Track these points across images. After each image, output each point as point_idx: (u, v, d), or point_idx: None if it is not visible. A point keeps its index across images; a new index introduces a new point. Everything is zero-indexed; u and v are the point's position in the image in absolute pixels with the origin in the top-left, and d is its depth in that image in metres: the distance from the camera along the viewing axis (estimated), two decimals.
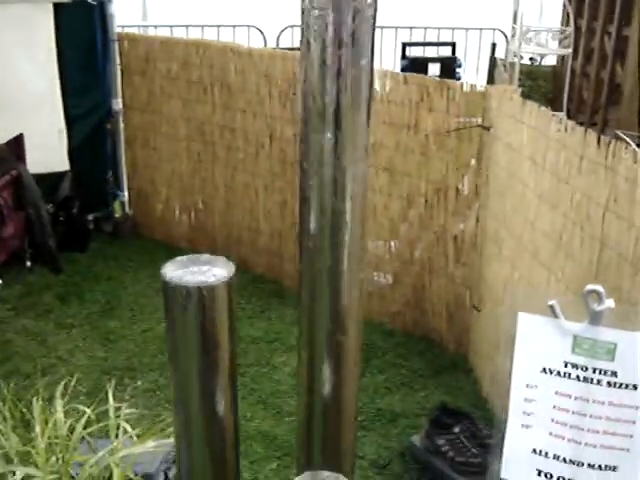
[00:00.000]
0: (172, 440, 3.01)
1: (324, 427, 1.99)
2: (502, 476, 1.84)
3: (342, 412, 1.98)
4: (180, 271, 1.69)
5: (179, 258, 1.75)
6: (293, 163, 5.44)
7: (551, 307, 1.88)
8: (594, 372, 1.77)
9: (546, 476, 1.78)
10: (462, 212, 4.56)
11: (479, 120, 4.34)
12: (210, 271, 1.71)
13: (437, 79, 4.92)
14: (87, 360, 4.73)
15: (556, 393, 1.81)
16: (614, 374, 1.77)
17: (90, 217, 6.61)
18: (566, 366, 1.80)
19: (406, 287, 5.01)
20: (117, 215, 6.75)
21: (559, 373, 1.81)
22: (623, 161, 2.88)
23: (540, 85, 8.64)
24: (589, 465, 1.75)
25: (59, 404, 2.68)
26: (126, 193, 6.76)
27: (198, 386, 1.76)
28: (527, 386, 1.81)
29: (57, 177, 6.24)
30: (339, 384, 1.93)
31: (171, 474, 3.68)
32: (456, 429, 3.68)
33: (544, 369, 1.82)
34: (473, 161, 4.44)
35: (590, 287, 1.81)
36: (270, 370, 4.65)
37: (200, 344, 1.70)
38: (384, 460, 3.82)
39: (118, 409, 2.82)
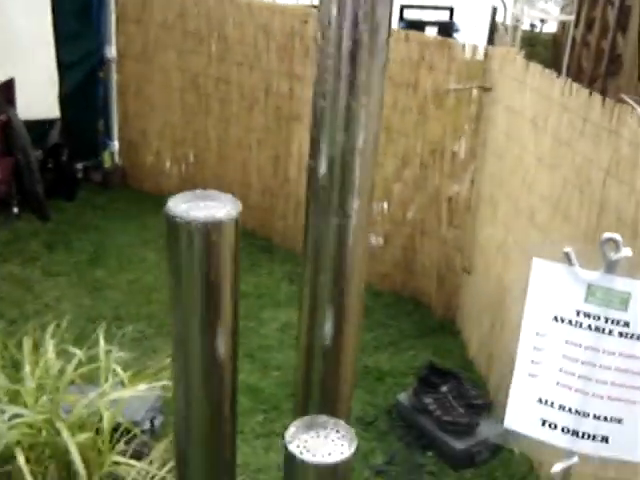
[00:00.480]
0: (159, 388, 3.00)
1: (323, 376, 1.97)
2: (505, 425, 1.83)
3: (342, 362, 1.96)
4: (185, 205, 1.65)
5: (184, 193, 1.71)
6: (288, 119, 5.38)
7: (566, 254, 1.85)
8: (606, 322, 1.76)
9: (550, 426, 1.78)
10: (457, 174, 4.53)
11: (479, 82, 4.29)
12: (216, 207, 1.67)
13: (439, 38, 4.86)
14: (74, 308, 4.69)
15: (566, 342, 1.80)
16: (626, 324, 1.76)
17: (79, 166, 6.53)
18: (578, 315, 1.79)
19: (396, 248, 4.99)
20: (106, 165, 6.67)
21: (571, 322, 1.80)
22: (627, 125, 2.85)
23: (539, 52, 8.59)
24: (595, 416, 1.75)
25: (50, 344, 2.65)
26: (116, 143, 6.67)
27: (200, 329, 1.73)
28: (537, 334, 1.80)
29: (47, 124, 6.15)
30: (340, 333, 1.91)
31: (157, 422, 3.69)
32: (444, 388, 3.69)
33: (555, 317, 1.81)
34: (471, 123, 4.40)
35: (607, 235, 1.79)
36: (258, 325, 4.64)
37: (204, 283, 1.67)
38: (370, 417, 3.83)
39: (108, 353, 2.80)
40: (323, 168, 1.76)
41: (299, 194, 5.47)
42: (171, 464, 2.59)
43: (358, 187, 1.77)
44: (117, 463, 2.54)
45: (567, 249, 1.84)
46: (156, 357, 3.26)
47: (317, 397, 1.99)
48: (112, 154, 6.68)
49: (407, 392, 3.83)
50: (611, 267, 1.77)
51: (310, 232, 1.87)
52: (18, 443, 2.32)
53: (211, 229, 1.61)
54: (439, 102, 4.50)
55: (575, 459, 1.85)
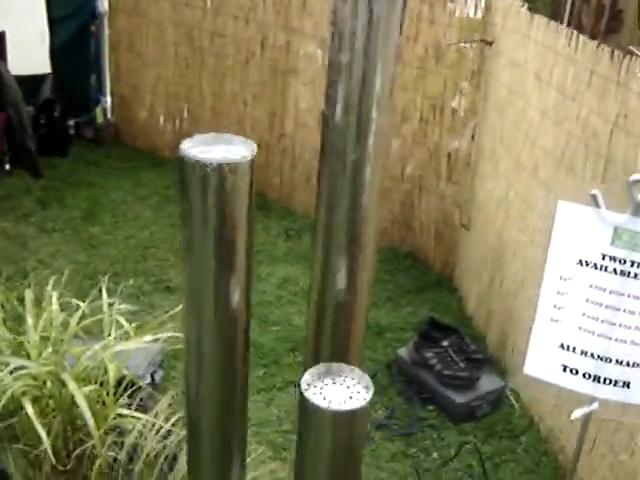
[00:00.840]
0: (160, 342, 2.98)
1: (334, 329, 1.94)
2: (525, 372, 1.82)
3: (354, 314, 1.94)
4: (199, 147, 1.60)
5: (197, 135, 1.66)
6: (284, 72, 5.31)
7: (593, 196, 1.82)
8: (632, 265, 1.74)
9: (571, 371, 1.76)
10: (458, 129, 4.49)
11: (481, 36, 4.23)
12: (231, 149, 1.62)
13: None
14: (69, 264, 4.64)
15: (590, 286, 1.78)
16: None
17: (71, 122, 6.45)
18: (604, 258, 1.77)
19: (394, 204, 4.96)
20: (99, 121, 6.59)
21: (596, 265, 1.78)
22: (636, 77, 2.81)
23: (538, 7, 8.46)
24: (617, 361, 1.74)
25: (54, 295, 2.62)
26: (109, 99, 6.59)
27: (214, 277, 1.69)
28: (561, 278, 1.78)
29: (38, 79, 6.05)
30: (354, 282, 1.88)
31: (158, 376, 3.68)
32: (444, 343, 3.68)
33: (580, 261, 1.78)
34: (472, 77, 4.35)
35: (636, 177, 1.76)
36: (255, 281, 4.59)
37: (219, 228, 1.63)
38: (370, 372, 3.81)
39: (111, 306, 2.76)
40: (339, 110, 1.71)
41: (295, 149, 5.42)
42: (177, 417, 2.58)
43: (375, 129, 1.73)
44: (122, 416, 2.52)
45: (594, 191, 1.81)
46: (154, 313, 3.24)
47: (328, 350, 1.97)
48: (104, 110, 6.61)
49: (407, 347, 3.82)
50: (639, 209, 1.73)
51: (324, 178, 1.84)
52: (24, 394, 2.30)
53: (226, 171, 1.57)
54: (440, 56, 4.44)
55: (595, 405, 1.85)
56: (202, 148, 1.61)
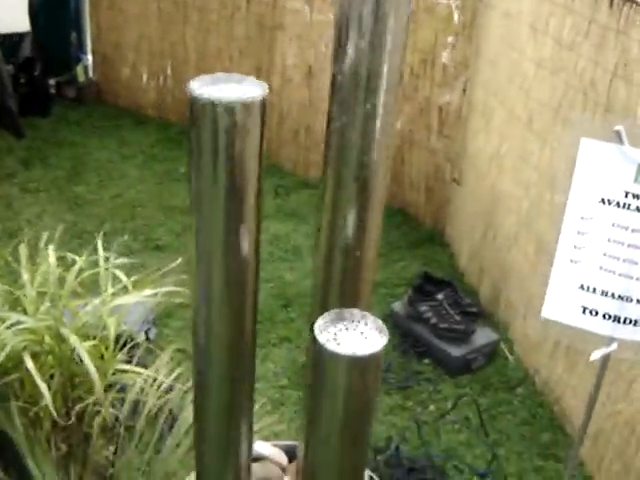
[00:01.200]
0: (159, 297, 2.93)
1: (343, 278, 1.91)
2: (544, 315, 1.80)
3: (364, 262, 1.91)
4: (208, 87, 1.55)
5: (205, 75, 1.60)
6: (271, 28, 5.23)
7: (616, 132, 1.79)
8: None
9: (591, 313, 1.75)
10: (449, 83, 4.44)
11: None
12: (241, 90, 1.57)
13: None
14: (56, 224, 4.52)
15: (612, 225, 1.76)
16: None
17: (52, 81, 6.34)
18: (627, 196, 1.75)
19: None
20: (80, 80, 6.47)
21: (618, 204, 1.75)
22: (636, 25, 2.78)
23: None
24: (638, 301, 1.73)
25: (50, 249, 2.57)
26: (90, 57, 6.47)
27: (224, 226, 1.65)
28: (582, 218, 1.76)
29: (17, 38, 5.93)
30: (363, 231, 1.85)
31: (152, 334, 3.65)
32: (439, 296, 3.68)
33: (602, 200, 1.76)
34: (464, 30, 4.29)
35: None
36: None
37: (229, 171, 1.58)
38: None
39: (107, 260, 2.71)
40: (348, 66, 1.67)
41: (282, 106, 5.35)
42: (178, 372, 2.56)
43: (386, 75, 1.69)
44: (123, 371, 2.49)
45: (618, 127, 1.78)
46: (144, 271, 3.20)
47: (336, 300, 1.94)
48: (86, 68, 6.48)
49: (401, 301, 3.82)
50: None
51: (333, 127, 1.79)
52: (24, 349, 2.26)
53: (238, 110, 1.51)
54: (430, 8, 4.38)
55: (614, 346, 1.84)
56: (211, 88, 1.55)
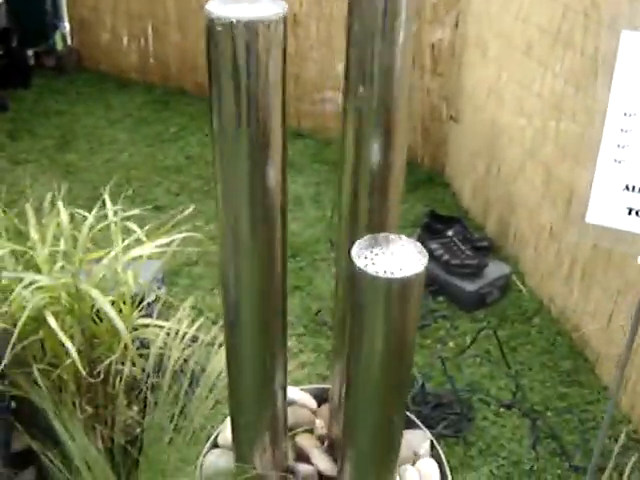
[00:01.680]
0: (164, 255, 2.87)
1: (371, 204, 1.87)
2: (587, 220, 1.76)
3: (390, 186, 1.87)
4: (226, 7, 1.48)
5: None
6: None
7: None
8: None
9: (637, 214, 1.71)
10: (440, 19, 4.36)
11: None
12: (260, 8, 1.50)
13: None
14: (50, 192, 4.50)
15: None
16: None
17: (30, 52, 6.19)
18: None
19: None
20: (59, 48, 6.32)
21: None
22: None
23: None
24: None
25: (60, 206, 2.51)
26: (67, 24, 6.30)
27: (249, 164, 1.60)
28: (625, 115, 1.70)
29: None
30: (389, 150, 1.81)
31: (162, 293, 3.59)
32: (449, 233, 3.64)
33: None
34: None
35: None
36: None
37: (252, 95, 1.52)
38: None
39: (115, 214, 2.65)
40: None
41: None
42: (200, 321, 2.51)
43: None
44: (144, 325, 2.45)
45: None
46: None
47: (364, 224, 1.90)
48: (63, 36, 6.32)
49: None
50: None
51: (352, 61, 1.74)
52: (44, 308, 2.20)
53: (258, 29, 1.45)
54: None
55: None
56: (229, 7, 1.49)
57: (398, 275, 1.56)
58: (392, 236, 1.67)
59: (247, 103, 1.52)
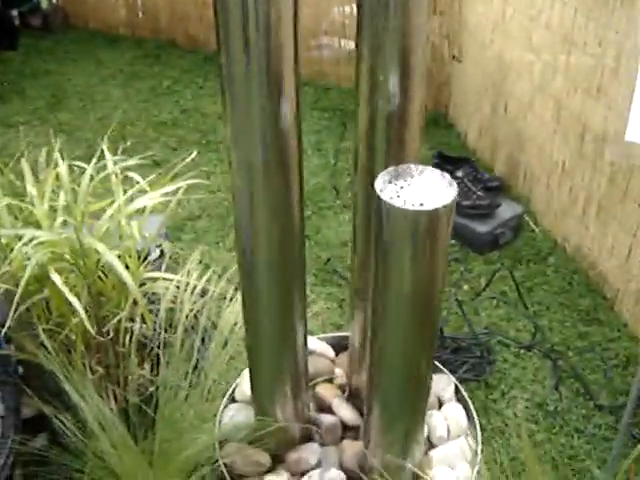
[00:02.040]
0: (168, 208, 2.76)
1: (388, 134, 1.75)
2: (627, 139, 1.66)
3: (409, 120, 1.75)
4: None
5: None
6: None
7: None
8: None
9: None
10: None
11: None
12: None
13: None
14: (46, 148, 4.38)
15: None
16: None
17: (15, 12, 6.01)
18: None
19: None
20: (44, 7, 6.14)
21: None
22: None
23: None
24: None
25: (58, 158, 2.39)
26: None
27: (259, 90, 1.48)
28: None
29: None
30: (406, 90, 1.68)
31: (165, 248, 3.50)
32: (459, 174, 3.53)
33: None
34: None
35: None
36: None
37: (262, 33, 1.41)
38: None
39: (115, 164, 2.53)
40: None
41: None
42: (210, 273, 2.42)
43: None
44: (152, 279, 2.35)
45: None
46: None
47: (382, 158, 1.79)
48: None
49: None
50: None
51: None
52: (48, 264, 2.10)
53: None
54: None
55: None
56: None
57: (427, 207, 1.46)
58: (419, 167, 1.56)
59: (257, 38, 1.40)
